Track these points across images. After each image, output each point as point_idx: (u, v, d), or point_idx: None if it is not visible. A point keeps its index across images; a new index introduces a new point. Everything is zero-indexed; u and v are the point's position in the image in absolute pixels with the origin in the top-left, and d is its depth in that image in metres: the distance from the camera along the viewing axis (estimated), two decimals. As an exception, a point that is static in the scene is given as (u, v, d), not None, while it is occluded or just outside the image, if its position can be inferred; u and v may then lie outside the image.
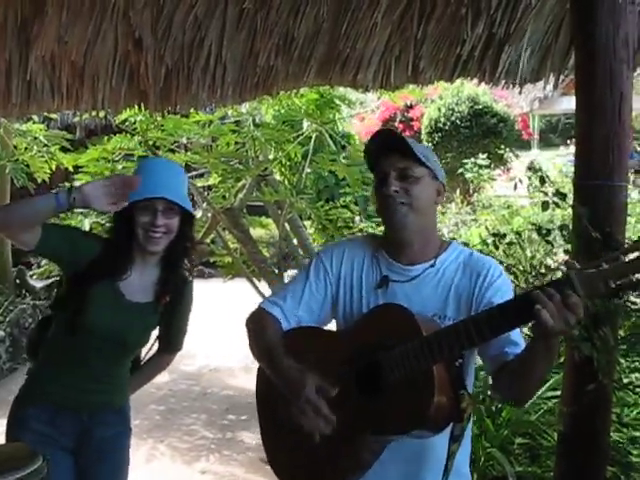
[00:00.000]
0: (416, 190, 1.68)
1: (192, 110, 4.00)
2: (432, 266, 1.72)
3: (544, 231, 2.31)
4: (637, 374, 3.10)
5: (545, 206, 2.36)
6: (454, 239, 1.87)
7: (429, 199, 1.72)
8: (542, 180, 2.42)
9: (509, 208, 5.33)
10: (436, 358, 1.50)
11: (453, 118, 12.61)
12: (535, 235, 3.99)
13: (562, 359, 2.85)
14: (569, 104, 18.77)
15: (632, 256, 1.32)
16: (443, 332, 1.54)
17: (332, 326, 1.88)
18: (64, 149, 4.91)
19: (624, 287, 1.32)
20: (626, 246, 1.37)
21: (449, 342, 1.50)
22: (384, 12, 3.05)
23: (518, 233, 2.60)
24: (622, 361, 2.44)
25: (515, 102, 14.84)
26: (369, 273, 1.77)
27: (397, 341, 1.56)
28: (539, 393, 3.39)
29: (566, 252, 2.66)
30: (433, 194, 1.74)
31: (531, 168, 2.29)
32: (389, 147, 1.71)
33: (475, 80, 3.41)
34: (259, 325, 1.80)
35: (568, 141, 23.29)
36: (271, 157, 4.86)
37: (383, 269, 1.75)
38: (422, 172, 1.70)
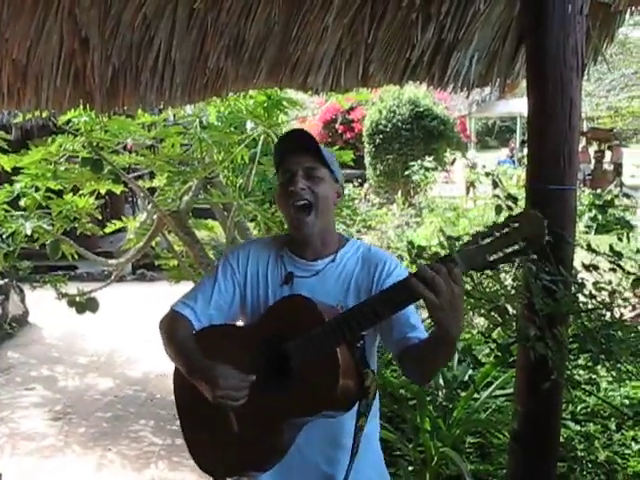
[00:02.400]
0: (320, 189, 1.80)
1: (140, 111, 3.91)
2: (333, 260, 1.86)
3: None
4: (581, 371, 3.19)
5: (498, 209, 2.41)
6: (352, 237, 1.98)
7: (330, 200, 1.85)
8: (495, 184, 2.46)
9: (455, 210, 5.41)
10: (339, 341, 1.62)
11: (394, 120, 12.77)
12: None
13: (511, 359, 2.91)
14: (505, 107, 19.37)
15: (503, 231, 1.43)
16: (343, 316, 1.65)
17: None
18: (1, 150, 4.75)
19: (498, 260, 1.44)
20: (497, 223, 1.45)
21: (349, 324, 1.61)
22: (335, 15, 3.05)
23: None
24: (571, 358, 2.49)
25: (454, 105, 15.13)
26: (274, 271, 1.88)
27: (302, 329, 1.66)
28: (487, 392, 3.46)
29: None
30: (334, 195, 1.87)
31: (488, 173, 2.32)
32: (298, 146, 1.82)
33: (424, 84, 3.45)
34: (171, 327, 1.90)
35: (502, 149, 23.91)
36: (216, 159, 4.81)
37: (288, 266, 1.87)
38: (325, 173, 1.83)
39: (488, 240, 1.44)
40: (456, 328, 1.51)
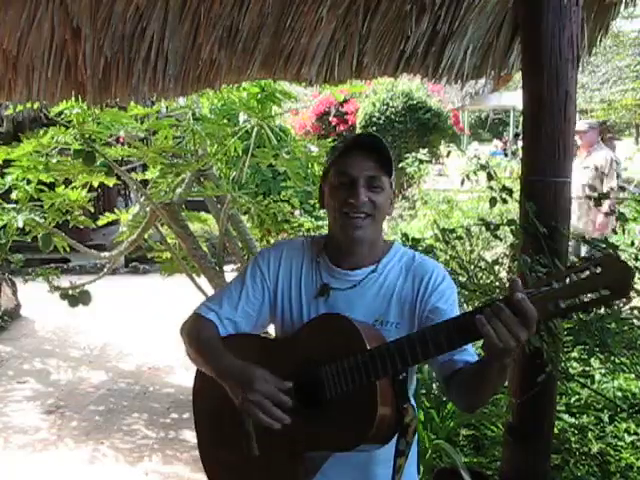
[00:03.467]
0: (380, 201, 1.63)
1: (132, 103, 3.89)
2: (374, 271, 1.68)
3: (492, 226, 2.35)
4: (574, 363, 3.20)
5: (493, 202, 2.40)
6: (395, 241, 1.81)
7: (386, 209, 1.68)
8: (489, 176, 2.45)
9: (449, 203, 5.41)
10: (379, 374, 1.47)
11: (388, 113, 12.74)
12: (475, 229, 4.08)
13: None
14: (498, 100, 19.35)
15: (582, 275, 1.26)
16: (388, 348, 1.48)
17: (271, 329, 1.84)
18: (-8, 142, 4.71)
19: (574, 308, 1.27)
20: (577, 265, 1.27)
21: (393, 359, 1.46)
22: (329, 7, 3.04)
23: (467, 228, 2.64)
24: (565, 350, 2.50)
25: (447, 98, 15.11)
26: (309, 279, 1.72)
27: (340, 354, 1.51)
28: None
29: (511, 246, 2.73)
30: (389, 203, 1.69)
31: (483, 165, 2.31)
32: (367, 147, 1.63)
33: (418, 76, 3.45)
34: (195, 329, 1.74)
35: (495, 141, 23.92)
36: (210, 151, 4.78)
37: (324, 275, 1.70)
38: (387, 182, 1.65)
39: (563, 284, 1.27)
40: (510, 359, 1.37)
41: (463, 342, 1.45)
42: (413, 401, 1.68)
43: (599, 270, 1.24)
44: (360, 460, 1.62)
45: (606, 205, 5.27)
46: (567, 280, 1.26)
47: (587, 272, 1.25)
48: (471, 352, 1.59)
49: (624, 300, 1.83)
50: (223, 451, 1.71)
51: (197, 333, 1.73)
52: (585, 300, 1.25)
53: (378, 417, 1.45)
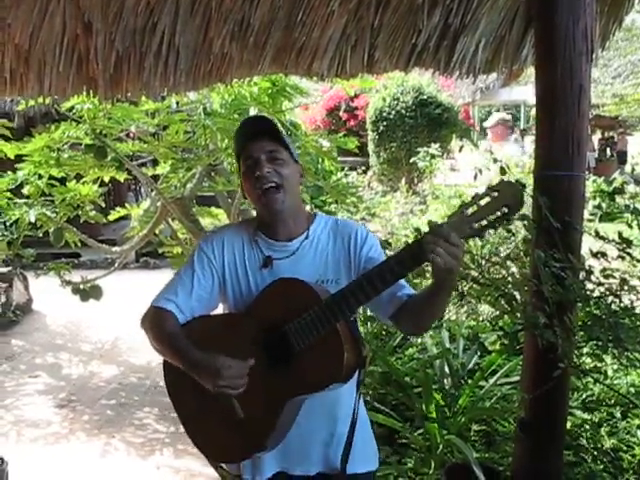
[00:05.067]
0: (285, 171, 1.85)
1: (143, 98, 3.89)
2: (307, 238, 1.90)
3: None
4: (587, 359, 3.18)
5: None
6: (316, 212, 2.07)
7: (296, 179, 1.90)
8: (502, 170, 2.43)
9: (460, 197, 5.39)
10: (338, 319, 1.68)
11: (398, 108, 12.69)
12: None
13: (518, 347, 2.89)
14: (508, 95, 19.25)
15: (486, 200, 1.53)
16: (340, 294, 1.70)
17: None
18: (4, 137, 4.72)
19: (483, 228, 1.54)
20: (478, 194, 1.56)
21: (348, 302, 1.68)
22: (340, 0, 3.02)
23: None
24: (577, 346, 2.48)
25: (458, 93, 15.05)
26: (251, 256, 1.91)
27: (300, 310, 1.71)
28: (493, 380, 3.45)
29: (524, 241, 2.71)
30: (297, 175, 1.92)
31: (496, 159, 2.29)
32: (257, 132, 1.86)
33: (430, 70, 3.42)
34: (156, 322, 1.89)
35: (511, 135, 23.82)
36: (221, 146, 4.78)
37: (264, 249, 1.90)
38: (287, 155, 1.88)
39: (472, 210, 1.55)
40: (455, 280, 1.71)
41: (404, 272, 1.67)
42: None
43: (497, 194, 1.52)
44: (330, 398, 1.84)
45: None
46: (474, 207, 1.54)
47: (488, 197, 1.53)
48: (409, 287, 1.85)
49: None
50: (208, 420, 1.85)
51: (160, 328, 1.87)
52: (492, 219, 1.53)
53: (345, 356, 1.66)
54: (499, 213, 1.52)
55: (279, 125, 1.89)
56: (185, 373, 1.80)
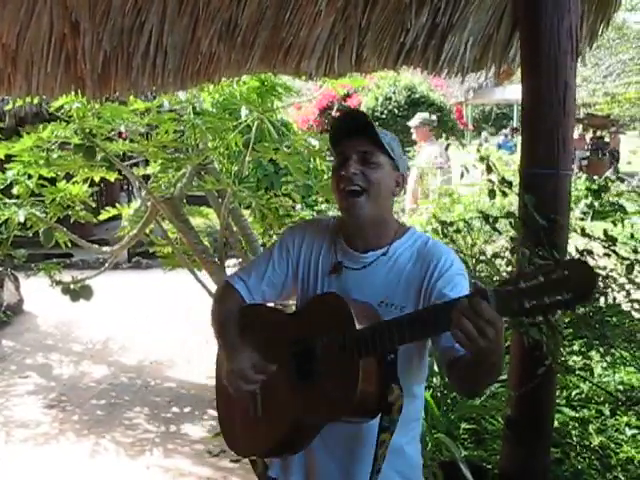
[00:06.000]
0: (374, 176, 1.69)
1: (132, 98, 3.89)
2: (385, 254, 1.74)
3: (491, 219, 2.35)
4: (575, 357, 3.20)
5: (492, 194, 2.39)
6: (412, 226, 1.86)
7: (387, 188, 1.73)
8: (489, 168, 2.44)
9: (450, 196, 5.41)
10: (362, 351, 1.54)
11: (390, 107, 12.72)
12: (476, 222, 4.07)
13: (505, 345, 2.90)
14: (502, 94, 19.31)
15: (549, 278, 1.26)
16: (373, 328, 1.55)
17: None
18: (-6, 137, 4.71)
19: (536, 309, 1.27)
20: (545, 265, 1.29)
21: (381, 338, 1.52)
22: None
23: (466, 221, 2.63)
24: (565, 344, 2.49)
25: (450, 92, 15.09)
26: (326, 257, 1.82)
27: (330, 329, 1.63)
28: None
29: (511, 239, 2.72)
30: (392, 184, 1.74)
31: (482, 157, 2.30)
32: (355, 129, 1.71)
33: (418, 69, 3.43)
34: (222, 297, 1.93)
35: (503, 130, 23.90)
36: (210, 145, 4.77)
37: (339, 255, 1.80)
38: (384, 160, 1.71)
39: (530, 284, 1.27)
40: (494, 356, 1.40)
41: (434, 332, 1.52)
42: (420, 389, 1.82)
43: (566, 273, 1.25)
44: (351, 432, 1.72)
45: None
46: (534, 281, 1.27)
47: (554, 275, 1.26)
48: None
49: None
50: (237, 415, 1.87)
51: (222, 303, 1.92)
52: (548, 302, 1.25)
53: (358, 392, 1.53)
54: (560, 297, 1.24)
55: (375, 124, 1.71)
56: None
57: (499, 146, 18.18)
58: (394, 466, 1.71)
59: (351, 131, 1.72)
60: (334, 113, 14.51)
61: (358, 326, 1.56)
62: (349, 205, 1.70)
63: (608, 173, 13.57)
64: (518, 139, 17.69)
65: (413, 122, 7.36)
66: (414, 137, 7.51)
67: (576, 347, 2.52)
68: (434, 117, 8.17)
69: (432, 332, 1.53)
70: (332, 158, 1.90)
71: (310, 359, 1.66)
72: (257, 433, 1.80)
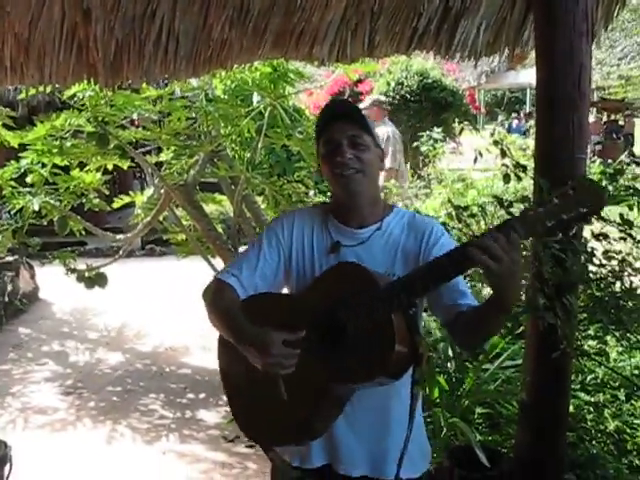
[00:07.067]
0: (366, 157, 1.80)
1: (144, 85, 3.89)
2: (379, 228, 1.85)
3: (506, 203, 2.33)
4: (591, 342, 3.19)
5: (506, 179, 2.38)
6: (396, 204, 1.98)
7: (376, 165, 1.85)
8: (503, 152, 2.43)
9: (464, 181, 5.38)
10: (393, 307, 1.60)
11: (402, 92, 12.63)
12: (490, 207, 4.05)
13: (520, 329, 2.90)
14: (515, 79, 19.15)
15: (562, 199, 1.44)
16: (397, 282, 1.65)
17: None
18: (7, 127, 4.73)
19: (557, 226, 1.44)
20: (558, 190, 1.46)
21: (404, 291, 1.60)
22: (340, -16, 3.00)
23: (480, 206, 2.62)
24: (580, 328, 2.48)
25: (463, 76, 14.98)
26: (320, 239, 1.87)
27: (357, 295, 1.65)
28: (497, 363, 3.46)
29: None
30: (377, 161, 1.87)
31: (496, 141, 2.30)
32: (341, 115, 1.83)
33: (431, 53, 3.40)
34: (216, 294, 1.88)
35: (513, 114, 23.74)
36: (223, 132, 4.77)
37: (334, 234, 1.86)
38: (369, 140, 1.82)
39: (548, 207, 1.44)
40: (513, 295, 1.54)
41: (462, 268, 1.57)
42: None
43: (576, 193, 1.43)
44: (381, 394, 1.75)
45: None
46: (551, 204, 1.44)
47: (567, 195, 1.44)
48: (472, 298, 1.76)
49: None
50: (257, 403, 1.83)
51: (218, 300, 1.86)
52: (566, 218, 1.42)
53: (396, 349, 1.58)
54: (575, 213, 1.42)
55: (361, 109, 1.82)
56: (239, 355, 1.75)
57: (509, 129, 18.10)
58: None
59: (338, 117, 1.82)
60: (346, 98, 14.47)
61: (381, 285, 1.64)
62: (349, 181, 1.78)
63: (623, 157, 13.45)
64: (531, 123, 17.59)
65: (365, 104, 7.40)
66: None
67: (591, 332, 2.51)
68: (384, 98, 8.17)
69: (452, 274, 1.59)
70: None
71: (335, 328, 1.68)
72: (281, 418, 1.76)
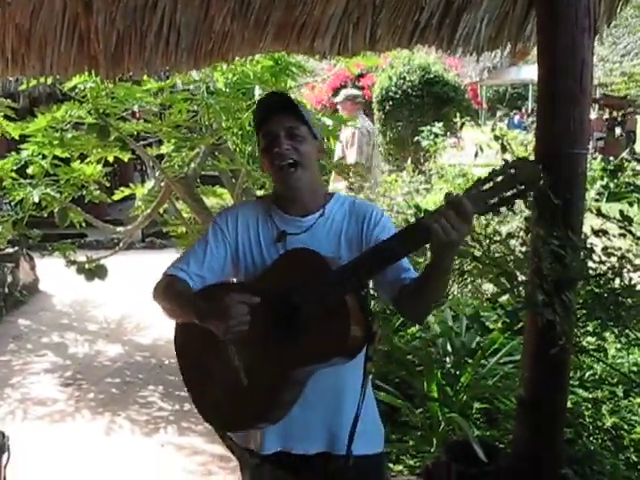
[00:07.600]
0: (303, 148, 1.86)
1: (145, 77, 3.88)
2: (322, 215, 1.92)
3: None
4: (589, 338, 3.19)
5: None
6: (336, 192, 2.03)
7: (313, 156, 1.91)
8: (504, 148, 2.42)
9: (464, 176, 5.37)
10: (347, 289, 1.67)
11: (404, 87, 12.59)
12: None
13: (519, 326, 2.90)
14: (517, 74, 19.11)
15: (502, 177, 1.53)
16: (349, 265, 1.71)
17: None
18: (8, 118, 4.73)
19: (498, 203, 1.54)
20: (495, 170, 1.56)
21: (355, 274, 1.67)
22: (342, -23, 2.99)
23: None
24: (579, 324, 2.48)
25: (465, 72, 14.94)
26: (266, 230, 1.93)
27: (309, 280, 1.71)
28: (495, 359, 3.46)
29: (526, 219, 2.70)
30: (315, 151, 1.92)
31: (497, 136, 2.29)
32: (277, 108, 1.88)
33: (433, 48, 3.39)
34: (168, 287, 1.91)
35: (514, 110, 23.71)
36: (224, 125, 4.77)
37: (279, 224, 1.92)
38: (306, 131, 1.88)
39: (488, 185, 1.54)
40: (452, 260, 1.67)
41: (414, 246, 1.65)
42: None
43: (514, 171, 1.52)
44: (335, 373, 1.80)
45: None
46: (490, 183, 1.54)
47: (505, 174, 1.53)
48: (414, 272, 1.83)
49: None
50: (214, 388, 1.86)
51: (169, 289, 1.90)
52: (505, 195, 1.53)
53: (352, 329, 1.65)
54: (515, 190, 1.52)
55: (297, 100, 1.85)
56: (194, 339, 1.83)
57: (509, 125, 18.06)
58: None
59: (274, 110, 1.87)
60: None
61: (333, 267, 1.72)
62: (287, 178, 1.85)
63: (624, 154, 13.43)
64: (532, 119, 17.54)
65: (339, 98, 7.41)
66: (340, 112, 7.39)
67: (590, 328, 2.51)
68: (357, 92, 8.14)
69: (400, 253, 1.68)
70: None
71: (290, 313, 1.72)
72: (243, 403, 1.80)
